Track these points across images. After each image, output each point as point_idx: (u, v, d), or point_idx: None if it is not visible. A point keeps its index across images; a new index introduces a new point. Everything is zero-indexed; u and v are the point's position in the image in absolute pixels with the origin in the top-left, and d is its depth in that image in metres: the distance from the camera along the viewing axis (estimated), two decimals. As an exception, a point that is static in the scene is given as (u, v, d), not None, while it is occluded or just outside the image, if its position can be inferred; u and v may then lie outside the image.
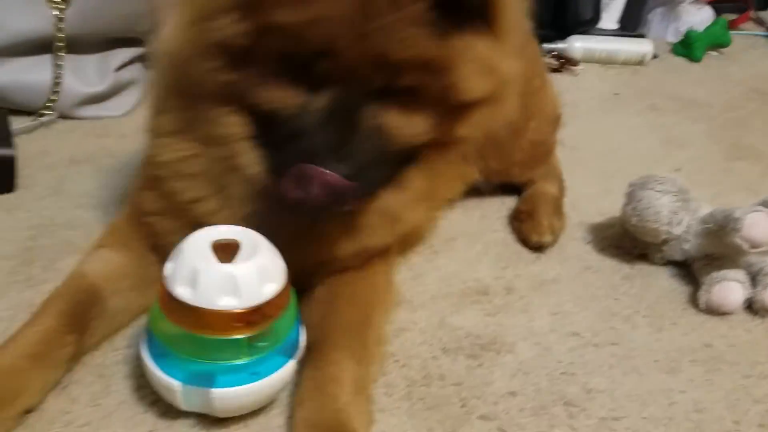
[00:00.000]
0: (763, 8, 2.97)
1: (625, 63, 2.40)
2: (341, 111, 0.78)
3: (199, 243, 0.81)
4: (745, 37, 2.72)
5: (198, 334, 0.77)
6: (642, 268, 1.24)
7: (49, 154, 1.37)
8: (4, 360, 0.81)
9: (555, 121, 1.46)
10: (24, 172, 1.25)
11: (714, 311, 1.13)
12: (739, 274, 1.15)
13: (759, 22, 2.90)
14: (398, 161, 0.87)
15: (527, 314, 1.10)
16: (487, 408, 0.91)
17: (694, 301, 1.16)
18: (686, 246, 1.21)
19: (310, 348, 0.89)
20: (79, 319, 0.87)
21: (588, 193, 1.49)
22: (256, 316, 0.78)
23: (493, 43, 0.80)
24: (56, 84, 1.46)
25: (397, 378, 0.94)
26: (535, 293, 1.15)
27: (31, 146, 1.36)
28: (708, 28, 2.53)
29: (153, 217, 0.95)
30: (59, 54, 1.45)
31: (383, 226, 0.96)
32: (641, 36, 2.53)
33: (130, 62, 1.60)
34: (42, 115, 1.46)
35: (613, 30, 2.51)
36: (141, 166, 1.01)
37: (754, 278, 1.16)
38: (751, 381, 1.00)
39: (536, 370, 0.98)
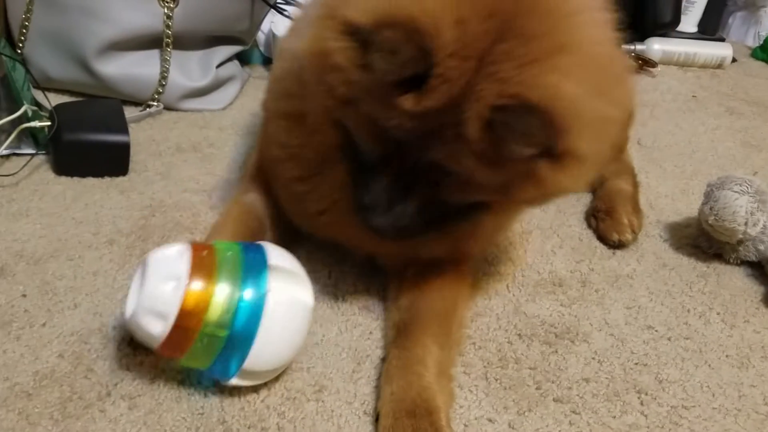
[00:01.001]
0: None
1: (704, 66, 2.38)
2: (401, 182, 0.86)
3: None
4: (828, 41, 2.65)
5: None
6: (717, 267, 1.27)
7: (157, 142, 1.48)
8: None
9: (628, 118, 1.48)
10: (135, 157, 1.37)
11: (788, 312, 1.15)
12: (815, 277, 1.16)
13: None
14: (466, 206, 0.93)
15: (602, 307, 1.14)
16: (561, 391, 0.96)
17: (767, 300, 1.18)
18: (761, 247, 1.23)
19: (398, 329, 0.97)
20: (255, 232, 1.03)
21: (665, 192, 1.52)
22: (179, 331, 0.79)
23: (554, 169, 0.81)
24: (163, 77, 1.57)
25: (474, 359, 1.00)
26: (611, 287, 1.19)
27: (140, 134, 1.47)
28: (788, 32, 2.49)
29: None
30: (167, 50, 1.56)
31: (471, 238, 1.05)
32: (721, 39, 2.51)
33: (229, 59, 1.71)
34: (149, 106, 1.58)
35: (692, 33, 2.49)
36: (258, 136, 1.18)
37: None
38: (823, 379, 1.02)
39: (610, 359, 1.03)
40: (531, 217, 1.36)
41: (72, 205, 1.24)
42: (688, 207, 1.43)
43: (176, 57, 1.57)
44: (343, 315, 1.05)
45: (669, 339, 1.08)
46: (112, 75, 1.55)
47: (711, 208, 1.22)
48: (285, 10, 1.80)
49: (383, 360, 0.95)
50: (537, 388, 0.96)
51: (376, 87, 0.79)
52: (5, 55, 1.33)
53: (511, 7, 0.78)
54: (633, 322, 1.11)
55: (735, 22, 2.66)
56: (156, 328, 0.79)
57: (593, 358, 1.03)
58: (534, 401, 0.94)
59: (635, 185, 1.43)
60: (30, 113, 1.32)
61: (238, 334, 0.81)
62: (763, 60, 2.44)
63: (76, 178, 1.31)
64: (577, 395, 0.96)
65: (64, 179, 1.31)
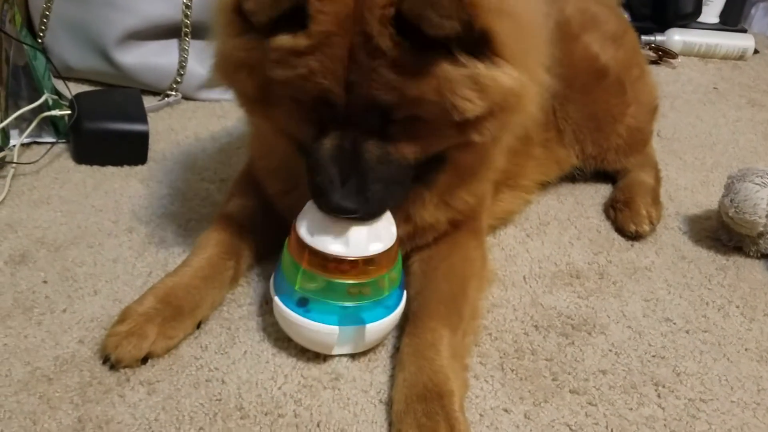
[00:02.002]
0: None
1: (725, 57, 2.35)
2: (346, 150, 0.86)
3: None
4: None
5: (335, 280, 0.89)
6: (737, 260, 1.26)
7: (175, 132, 1.49)
8: (183, 279, 0.97)
9: (653, 111, 1.47)
10: (154, 146, 1.38)
11: (809, 306, 1.14)
12: (836, 271, 1.15)
13: None
14: (425, 165, 0.92)
15: (620, 299, 1.13)
16: (577, 383, 0.95)
17: (787, 294, 1.17)
18: (783, 240, 1.21)
19: (408, 318, 0.97)
20: (234, 248, 1.03)
21: (685, 184, 1.50)
22: (359, 266, 0.90)
23: (488, 63, 0.81)
24: (182, 67, 1.58)
25: (490, 349, 1.00)
26: (629, 279, 1.18)
27: (158, 124, 1.48)
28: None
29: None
30: (185, 39, 1.57)
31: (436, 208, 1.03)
32: (743, 31, 2.47)
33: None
34: (168, 95, 1.59)
35: (713, 24, 2.46)
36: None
37: None
38: (844, 374, 1.01)
39: (627, 351, 1.02)
40: (548, 209, 1.36)
41: (92, 193, 1.25)
42: (708, 199, 1.41)
43: (195, 47, 1.58)
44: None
45: (687, 332, 1.07)
46: (131, 64, 1.56)
47: (731, 201, 1.20)
48: None
49: (398, 349, 0.96)
50: (553, 380, 0.96)
51: (269, 48, 0.80)
52: (27, 44, 1.34)
53: None
54: (651, 314, 1.11)
55: (757, 13, 2.62)
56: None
57: (610, 350, 1.02)
58: (550, 392, 0.94)
59: (657, 179, 1.43)
60: (51, 102, 1.33)
61: (390, 299, 0.94)
62: (785, 51, 2.41)
63: (95, 167, 1.33)
64: (594, 387, 0.95)
65: (84, 168, 1.32)
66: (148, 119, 1.37)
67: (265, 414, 0.86)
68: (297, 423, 0.85)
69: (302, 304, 0.91)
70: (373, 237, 0.90)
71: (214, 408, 0.86)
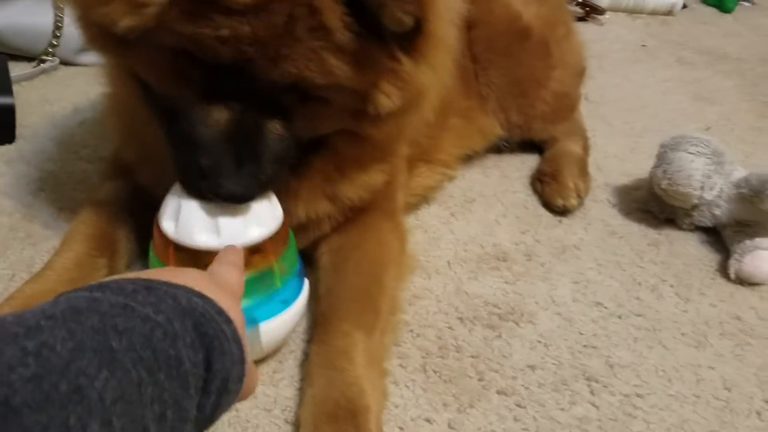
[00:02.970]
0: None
1: (654, 13, 2.32)
2: (244, 128, 0.73)
3: None
4: (779, -14, 2.60)
5: None
6: (669, 234, 1.19)
7: (51, 103, 1.32)
8: (45, 286, 0.81)
9: (580, 73, 1.40)
10: (24, 121, 1.21)
11: (745, 281, 1.08)
12: (773, 243, 1.09)
13: (795, -31, 2.77)
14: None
15: (548, 282, 1.05)
16: (505, 382, 0.87)
17: (723, 270, 1.11)
18: (717, 211, 1.15)
19: (317, 322, 0.86)
20: (107, 243, 0.90)
21: (613, 152, 1.43)
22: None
23: (413, 61, 0.76)
24: (57, 28, 1.40)
25: (411, 349, 0.90)
26: (557, 260, 1.10)
27: (31, 94, 1.31)
28: (741, -24, 2.43)
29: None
30: (60, -5, 1.39)
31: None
32: (671, -16, 2.43)
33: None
34: (43, 61, 1.41)
35: (641, -23, 2.40)
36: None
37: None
38: (783, 357, 0.96)
39: (557, 342, 0.95)
40: (473, 184, 1.26)
41: (-56, 179, 1.08)
42: (637, 167, 1.34)
43: (72, 4, 1.40)
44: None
45: (619, 317, 1.00)
46: (-2, 25, 1.37)
47: (664, 171, 1.13)
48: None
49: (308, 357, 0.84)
50: (479, 380, 0.87)
51: None
52: None
53: None
54: (581, 298, 1.03)
55: (684, -34, 2.59)
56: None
57: (539, 342, 0.94)
58: (476, 395, 0.85)
59: (585, 148, 1.35)
60: None
61: (285, 292, 0.80)
62: (714, 6, 2.39)
63: (-50, 148, 1.15)
64: (522, 385, 0.87)
65: (-65, 149, 1.15)
66: (18, 90, 1.20)
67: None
68: (183, 456, 0.73)
69: None
70: (252, 221, 0.76)
71: None
